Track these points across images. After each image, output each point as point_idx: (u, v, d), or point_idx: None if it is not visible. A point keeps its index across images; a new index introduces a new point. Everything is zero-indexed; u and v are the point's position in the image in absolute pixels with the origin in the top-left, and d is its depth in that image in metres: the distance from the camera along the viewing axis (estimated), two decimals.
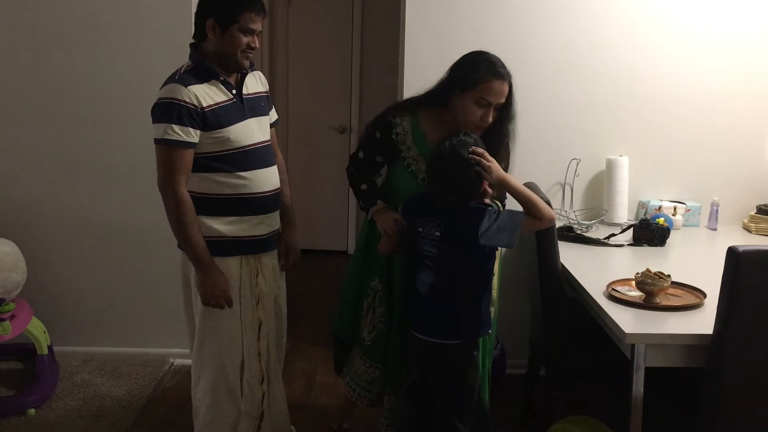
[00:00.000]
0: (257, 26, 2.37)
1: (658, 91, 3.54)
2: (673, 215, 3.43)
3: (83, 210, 3.60)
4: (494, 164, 2.26)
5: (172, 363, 3.69)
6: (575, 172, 3.54)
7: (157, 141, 2.35)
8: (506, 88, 2.40)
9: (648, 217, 3.30)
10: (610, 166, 3.51)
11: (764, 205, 3.48)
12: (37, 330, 3.29)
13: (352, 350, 2.80)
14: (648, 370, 2.21)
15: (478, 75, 2.37)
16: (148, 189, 3.54)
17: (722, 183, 3.60)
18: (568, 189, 3.56)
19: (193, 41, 2.46)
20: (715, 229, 3.49)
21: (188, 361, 3.68)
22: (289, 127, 5.60)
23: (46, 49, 3.48)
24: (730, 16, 3.49)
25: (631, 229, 3.23)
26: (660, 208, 3.45)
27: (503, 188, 2.33)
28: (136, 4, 3.45)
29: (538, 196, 2.42)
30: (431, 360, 2.40)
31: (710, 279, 2.30)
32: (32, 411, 3.12)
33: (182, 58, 3.43)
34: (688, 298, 2.43)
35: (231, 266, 2.46)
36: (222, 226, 2.44)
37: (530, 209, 2.28)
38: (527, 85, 3.46)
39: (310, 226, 5.38)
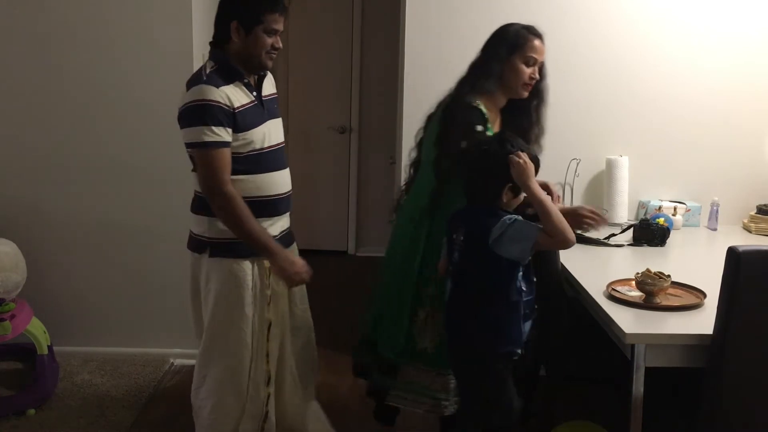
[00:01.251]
0: (280, 26, 2.39)
1: (658, 91, 3.55)
2: (673, 215, 3.43)
3: (83, 210, 3.60)
4: (528, 167, 2.24)
5: (172, 363, 3.69)
6: (575, 172, 3.54)
7: (195, 145, 2.30)
8: (544, 47, 2.62)
9: (648, 217, 3.30)
10: (610, 166, 3.51)
11: (764, 205, 3.48)
12: (37, 330, 3.29)
13: (398, 372, 2.67)
14: (648, 370, 2.21)
15: (521, 38, 2.58)
16: (149, 189, 3.57)
17: (722, 183, 3.60)
18: (568, 189, 3.56)
19: (211, 42, 2.45)
20: (715, 229, 3.49)
21: (188, 361, 3.69)
22: (289, 127, 5.57)
23: (45, 49, 3.48)
24: (730, 16, 3.49)
25: (631, 229, 3.23)
26: (660, 208, 3.45)
27: (523, 189, 2.29)
28: (135, 5, 3.44)
29: None
30: (455, 371, 2.41)
31: (710, 279, 2.30)
32: (32, 411, 3.12)
33: (181, 58, 3.46)
34: (688, 298, 2.43)
35: (245, 268, 2.45)
36: None
37: (544, 222, 2.20)
38: None
39: (310, 226, 5.38)
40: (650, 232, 3.15)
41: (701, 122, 3.57)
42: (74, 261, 3.65)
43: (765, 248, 2.07)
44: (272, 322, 2.52)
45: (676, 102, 3.55)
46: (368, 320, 2.84)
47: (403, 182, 2.90)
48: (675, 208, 3.47)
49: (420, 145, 2.73)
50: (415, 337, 2.62)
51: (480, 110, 2.52)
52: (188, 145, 2.34)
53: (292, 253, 2.46)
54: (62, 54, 3.48)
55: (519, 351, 2.31)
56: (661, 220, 3.19)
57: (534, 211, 2.29)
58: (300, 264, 2.43)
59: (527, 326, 2.32)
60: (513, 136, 2.35)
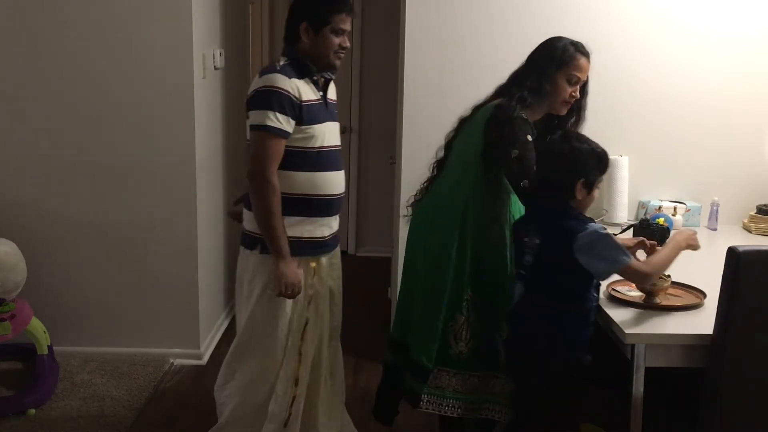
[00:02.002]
0: (347, 26, 2.46)
1: (658, 91, 3.55)
2: (673, 215, 3.43)
3: (83, 210, 3.60)
4: (695, 245, 2.34)
5: (172, 363, 3.69)
6: None
7: (256, 127, 2.37)
8: (589, 66, 2.60)
9: (648, 217, 3.30)
10: (610, 166, 3.49)
11: (764, 205, 3.48)
12: (37, 330, 3.29)
13: (430, 376, 2.60)
14: (648, 370, 2.21)
15: (567, 55, 2.54)
16: (149, 189, 3.57)
17: (722, 183, 3.60)
18: None
19: (284, 39, 2.52)
20: (715, 229, 3.49)
21: (188, 361, 3.71)
22: None
23: (45, 50, 3.48)
24: (730, 16, 3.49)
25: (631, 229, 3.22)
26: (660, 208, 3.45)
27: (671, 247, 2.31)
28: (135, 5, 3.44)
29: None
30: (517, 376, 2.39)
31: (710, 279, 2.30)
32: (32, 411, 3.12)
33: (181, 58, 3.46)
34: (688, 298, 2.43)
35: None
36: (287, 226, 2.44)
37: (655, 261, 2.24)
38: None
39: None
40: (650, 232, 3.15)
41: (701, 122, 3.57)
42: (74, 261, 3.65)
43: (765, 248, 2.07)
44: (309, 321, 2.53)
45: (676, 102, 3.55)
46: (396, 324, 2.81)
47: (419, 181, 2.85)
48: (675, 208, 3.47)
49: (449, 145, 2.71)
50: (450, 343, 2.58)
51: (529, 123, 2.52)
52: (250, 127, 2.40)
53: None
54: (61, 55, 3.48)
55: (588, 357, 2.28)
56: (661, 220, 3.19)
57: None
58: (298, 280, 2.44)
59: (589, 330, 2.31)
60: (575, 133, 2.38)
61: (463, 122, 2.68)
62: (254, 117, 2.38)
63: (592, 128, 3.54)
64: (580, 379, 2.32)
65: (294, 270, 2.43)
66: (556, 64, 2.54)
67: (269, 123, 2.34)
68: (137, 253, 3.64)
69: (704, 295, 2.42)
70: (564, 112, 2.62)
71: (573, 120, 2.68)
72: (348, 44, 2.50)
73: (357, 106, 5.64)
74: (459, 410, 2.59)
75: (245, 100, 2.44)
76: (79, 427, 3.04)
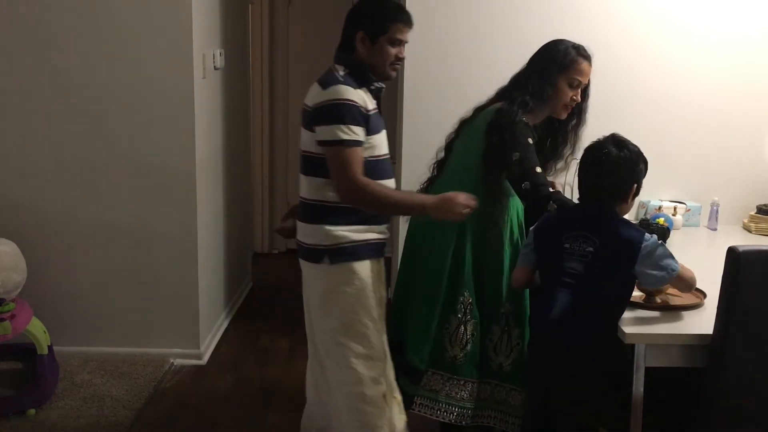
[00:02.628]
0: (405, 37, 2.40)
1: (658, 91, 3.55)
2: (673, 215, 3.43)
3: (83, 210, 3.60)
4: None
5: (172, 363, 3.69)
6: (575, 172, 3.54)
7: (332, 143, 2.28)
8: (591, 69, 2.61)
9: (648, 217, 3.30)
10: None
11: (764, 205, 3.48)
12: (37, 330, 3.28)
13: (423, 378, 2.60)
14: (648, 370, 2.21)
15: (569, 59, 2.55)
16: (149, 189, 3.57)
17: (722, 183, 3.61)
18: (568, 189, 3.56)
19: (338, 48, 2.48)
20: (715, 229, 3.49)
21: (188, 361, 3.71)
22: (289, 127, 5.60)
23: (45, 49, 3.47)
24: (730, 16, 3.50)
25: None
26: (660, 208, 3.45)
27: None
28: (135, 5, 3.44)
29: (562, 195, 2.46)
30: (555, 389, 2.33)
31: (710, 279, 2.30)
32: (32, 411, 3.12)
33: (181, 59, 3.46)
34: (688, 298, 2.43)
35: (366, 269, 2.41)
36: (351, 233, 2.37)
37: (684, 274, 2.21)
38: None
39: None
40: (650, 232, 3.14)
41: (701, 122, 3.57)
42: (74, 261, 3.65)
43: (765, 248, 2.07)
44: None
45: (677, 102, 3.56)
46: (393, 324, 2.78)
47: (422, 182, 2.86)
48: (675, 208, 3.47)
49: (449, 147, 2.70)
50: (445, 345, 2.57)
51: (530, 127, 2.51)
52: (323, 143, 2.31)
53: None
54: (61, 55, 3.48)
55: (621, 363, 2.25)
56: (661, 220, 3.19)
57: None
58: (453, 197, 2.36)
59: None
60: (620, 136, 2.36)
61: (464, 124, 2.68)
62: (325, 133, 2.29)
63: (593, 129, 3.54)
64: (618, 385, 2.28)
65: (444, 198, 2.36)
66: (557, 68, 2.54)
67: (345, 137, 2.26)
68: (137, 253, 3.64)
69: (704, 295, 2.42)
70: (564, 115, 2.62)
71: (574, 122, 2.69)
72: (404, 55, 2.43)
73: None
74: (452, 416, 2.58)
75: (310, 111, 2.33)
76: (79, 427, 3.04)
